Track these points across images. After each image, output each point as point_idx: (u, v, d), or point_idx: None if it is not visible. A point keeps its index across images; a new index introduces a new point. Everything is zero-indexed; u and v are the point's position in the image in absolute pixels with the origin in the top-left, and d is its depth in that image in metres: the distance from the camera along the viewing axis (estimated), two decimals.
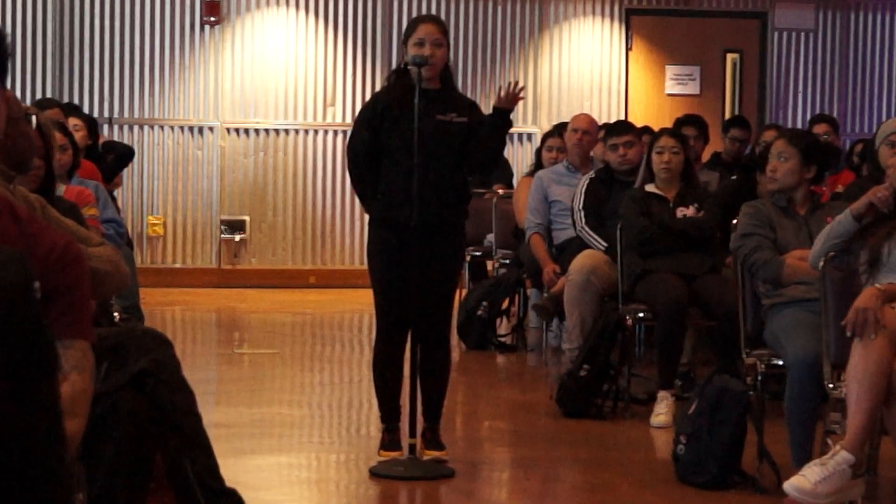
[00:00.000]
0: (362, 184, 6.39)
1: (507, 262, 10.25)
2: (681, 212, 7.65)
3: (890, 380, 5.13)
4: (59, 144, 6.30)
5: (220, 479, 4.49)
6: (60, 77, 13.42)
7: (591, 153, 9.42)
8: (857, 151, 10.33)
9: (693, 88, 14.29)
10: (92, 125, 10.20)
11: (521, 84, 6.34)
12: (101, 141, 11.12)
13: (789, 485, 5.16)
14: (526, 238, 9.26)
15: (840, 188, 8.31)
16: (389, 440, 6.36)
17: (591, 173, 8.60)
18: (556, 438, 7.08)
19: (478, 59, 13.97)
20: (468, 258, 10.99)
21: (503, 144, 6.33)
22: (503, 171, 12.20)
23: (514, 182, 11.71)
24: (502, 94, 6.18)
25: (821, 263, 5.61)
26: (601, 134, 9.55)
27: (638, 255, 7.57)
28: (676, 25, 14.35)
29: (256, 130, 13.67)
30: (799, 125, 13.75)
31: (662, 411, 7.25)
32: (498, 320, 10.03)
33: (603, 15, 14.14)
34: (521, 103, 13.83)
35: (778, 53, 14.51)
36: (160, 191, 13.57)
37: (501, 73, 13.93)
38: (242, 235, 13.65)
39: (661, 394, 7.32)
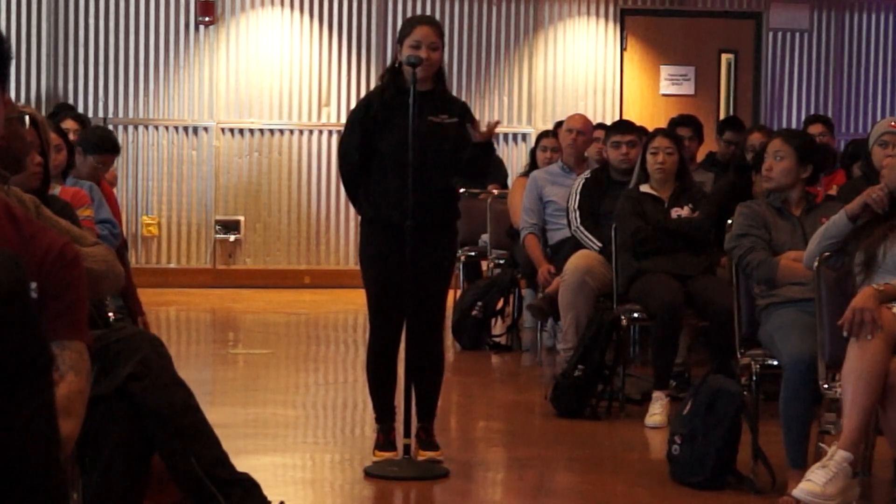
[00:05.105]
0: (353, 185, 6.39)
1: (502, 262, 10.25)
2: (675, 212, 7.66)
3: (886, 380, 5.14)
4: (53, 144, 6.29)
5: (229, 468, 4.47)
6: (55, 77, 13.41)
7: (586, 153, 9.43)
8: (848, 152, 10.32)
9: (688, 89, 14.30)
10: (85, 125, 10.19)
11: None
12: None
13: (800, 491, 5.17)
14: (521, 238, 9.26)
15: (834, 188, 8.31)
16: (384, 440, 6.36)
17: (587, 173, 8.61)
18: (550, 439, 7.08)
19: (472, 59, 13.96)
20: (463, 258, 10.99)
21: (490, 164, 6.40)
22: (498, 172, 12.20)
23: (509, 182, 11.72)
24: (480, 130, 6.16)
25: (815, 264, 5.62)
26: (596, 134, 9.56)
27: (633, 255, 7.57)
28: (671, 25, 14.35)
29: (251, 130, 13.67)
30: (794, 125, 13.75)
31: (657, 411, 7.26)
32: (493, 320, 10.03)
33: (597, 15, 14.14)
34: (515, 103, 13.95)
35: (773, 54, 14.52)
36: (155, 191, 13.56)
37: (496, 73, 13.93)
38: (237, 235, 13.65)
39: (656, 394, 7.33)
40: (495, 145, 6.41)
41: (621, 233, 7.65)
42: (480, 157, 6.27)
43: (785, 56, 14.55)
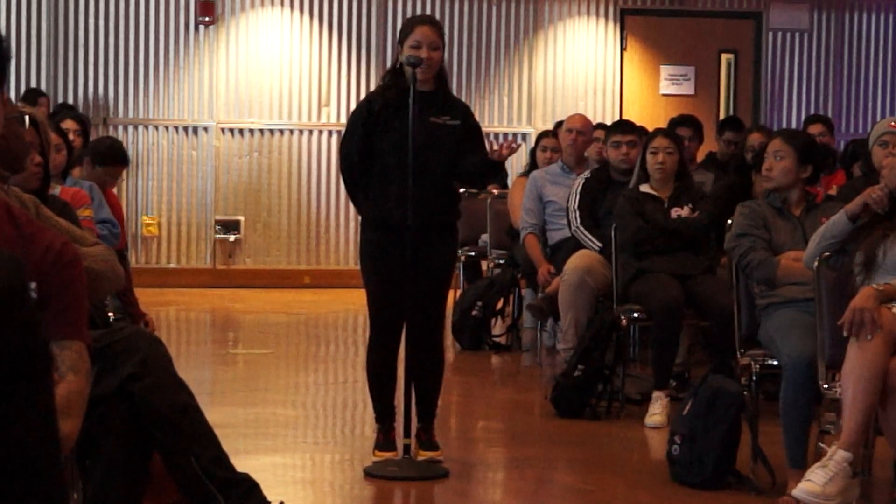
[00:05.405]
0: (355, 185, 6.39)
1: (502, 262, 10.24)
2: (675, 212, 7.65)
3: (886, 380, 5.14)
4: (53, 144, 6.28)
5: (229, 468, 4.48)
6: (54, 77, 13.41)
7: (586, 153, 9.43)
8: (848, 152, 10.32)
9: (688, 89, 14.30)
10: (85, 125, 10.18)
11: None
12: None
13: (799, 490, 5.17)
14: (521, 238, 9.26)
15: (834, 188, 8.31)
16: (384, 440, 6.36)
17: (587, 173, 8.61)
18: (550, 439, 7.08)
19: (472, 59, 13.96)
20: (463, 258, 10.99)
21: (495, 178, 6.41)
22: None
23: (509, 182, 11.72)
24: (501, 150, 6.16)
25: (815, 264, 5.62)
26: (596, 134, 9.56)
27: (633, 255, 7.57)
28: (671, 25, 14.35)
29: (251, 130, 13.66)
30: (794, 125, 13.75)
31: (657, 411, 7.26)
32: (493, 320, 10.03)
33: (597, 15, 14.14)
34: (515, 103, 13.94)
35: (772, 54, 14.52)
36: (155, 191, 13.56)
37: (496, 73, 13.93)
38: (237, 235, 13.65)
39: (656, 394, 7.33)
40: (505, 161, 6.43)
41: (621, 233, 7.65)
42: (489, 172, 6.30)
43: (785, 56, 14.55)
